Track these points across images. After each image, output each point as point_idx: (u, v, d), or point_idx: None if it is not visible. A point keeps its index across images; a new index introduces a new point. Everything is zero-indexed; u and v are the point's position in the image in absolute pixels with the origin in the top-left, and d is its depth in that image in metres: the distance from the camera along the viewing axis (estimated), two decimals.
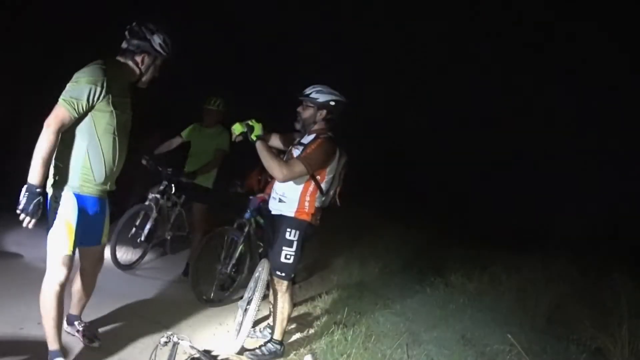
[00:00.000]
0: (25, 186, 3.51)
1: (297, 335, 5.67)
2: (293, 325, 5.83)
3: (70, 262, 3.82)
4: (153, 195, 7.17)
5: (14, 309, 4.69)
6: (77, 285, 4.41)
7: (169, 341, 3.79)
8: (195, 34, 14.52)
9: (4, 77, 9.25)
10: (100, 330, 4.81)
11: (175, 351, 3.82)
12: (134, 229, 7.04)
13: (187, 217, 7.75)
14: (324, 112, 4.83)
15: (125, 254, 7.00)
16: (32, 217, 3.52)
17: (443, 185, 17.59)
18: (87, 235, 3.97)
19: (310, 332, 5.79)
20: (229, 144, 7.05)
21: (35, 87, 7.70)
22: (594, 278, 8.73)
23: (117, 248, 6.76)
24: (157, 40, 3.98)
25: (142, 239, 7.03)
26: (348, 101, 4.86)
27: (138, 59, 3.99)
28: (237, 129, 4.63)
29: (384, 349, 5.23)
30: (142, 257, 7.26)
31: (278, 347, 4.95)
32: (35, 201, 3.50)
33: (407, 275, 8.98)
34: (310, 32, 16.86)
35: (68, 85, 3.67)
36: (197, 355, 4.01)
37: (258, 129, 4.63)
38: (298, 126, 4.93)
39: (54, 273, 3.77)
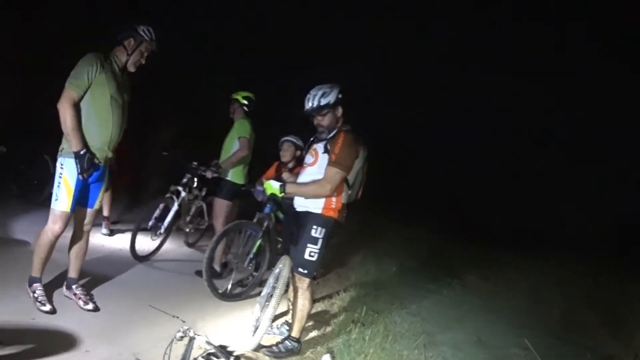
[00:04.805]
0: (73, 155, 4.33)
1: (314, 333, 5.43)
2: (310, 323, 5.58)
3: (67, 218, 4.52)
4: (175, 187, 7.10)
5: (25, 298, 4.54)
6: (72, 244, 4.91)
7: (185, 336, 3.67)
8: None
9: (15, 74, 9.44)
10: (115, 321, 4.65)
11: (191, 346, 3.68)
12: (153, 221, 6.93)
13: (208, 211, 7.63)
14: (340, 108, 4.63)
15: (143, 245, 6.83)
16: (90, 172, 4.41)
17: (457, 187, 17.32)
18: (84, 197, 4.68)
19: (327, 330, 5.55)
20: (250, 131, 6.94)
21: (41, 81, 7.80)
22: (605, 281, 8.55)
23: (136, 239, 6.66)
24: (141, 27, 4.70)
25: (162, 231, 6.93)
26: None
27: (126, 42, 4.67)
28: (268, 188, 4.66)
29: (400, 349, 4.99)
30: (158, 248, 7.08)
31: (295, 344, 4.72)
32: (85, 160, 4.34)
33: (423, 274, 8.81)
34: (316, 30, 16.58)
35: (72, 72, 4.37)
36: (212, 351, 3.86)
37: (270, 187, 4.60)
38: (324, 135, 4.67)
39: (52, 225, 4.48)
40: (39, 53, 9.67)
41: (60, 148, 4.48)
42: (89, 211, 4.81)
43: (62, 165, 4.45)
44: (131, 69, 4.73)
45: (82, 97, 4.39)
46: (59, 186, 4.46)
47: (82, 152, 4.32)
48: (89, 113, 4.44)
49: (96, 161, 4.47)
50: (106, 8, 10.03)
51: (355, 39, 17.55)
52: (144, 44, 4.69)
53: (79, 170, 4.34)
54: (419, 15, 17.50)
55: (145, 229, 6.89)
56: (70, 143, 4.33)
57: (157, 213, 6.96)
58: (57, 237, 4.54)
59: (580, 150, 17.13)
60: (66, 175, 4.43)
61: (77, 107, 4.36)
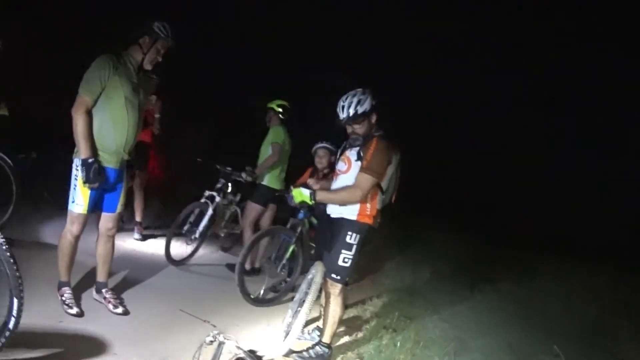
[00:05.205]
0: (80, 161, 4.28)
1: (346, 339, 5.37)
2: (342, 328, 5.52)
3: (84, 220, 4.52)
4: (210, 193, 7.17)
5: (54, 301, 4.55)
6: (98, 249, 4.88)
7: (215, 340, 3.63)
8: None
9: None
10: (145, 325, 4.66)
11: (221, 351, 3.64)
12: (188, 225, 7.00)
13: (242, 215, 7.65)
14: (374, 116, 4.53)
15: (178, 250, 6.89)
16: (95, 182, 4.31)
17: (485, 191, 17.07)
18: (104, 202, 4.67)
19: (358, 335, 5.48)
20: (283, 137, 7.05)
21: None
22: (637, 287, 8.49)
23: (171, 244, 6.71)
24: (156, 24, 4.56)
25: (196, 235, 6.98)
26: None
27: (141, 40, 4.55)
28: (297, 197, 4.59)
29: (431, 355, 4.92)
30: (193, 253, 7.13)
31: (326, 350, 4.67)
32: (92, 170, 4.26)
33: (457, 280, 8.64)
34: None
35: (84, 76, 4.33)
36: (242, 356, 3.82)
37: (300, 194, 4.53)
38: (358, 142, 4.55)
39: (70, 227, 4.50)
40: (65, 56, 9.77)
41: (75, 149, 4.42)
42: (111, 216, 4.77)
43: (77, 167, 4.40)
44: (148, 67, 4.64)
45: (95, 102, 4.34)
46: (74, 188, 4.44)
47: (89, 161, 4.26)
48: (104, 115, 4.39)
49: (103, 176, 4.41)
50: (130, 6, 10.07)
51: (356, 41, 17.41)
52: (160, 42, 4.58)
53: (84, 179, 4.28)
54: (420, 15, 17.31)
55: (179, 234, 6.95)
56: (79, 150, 4.29)
57: (192, 218, 7.03)
58: (77, 238, 4.56)
59: (594, 151, 16.85)
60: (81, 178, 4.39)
61: (90, 114, 4.33)
